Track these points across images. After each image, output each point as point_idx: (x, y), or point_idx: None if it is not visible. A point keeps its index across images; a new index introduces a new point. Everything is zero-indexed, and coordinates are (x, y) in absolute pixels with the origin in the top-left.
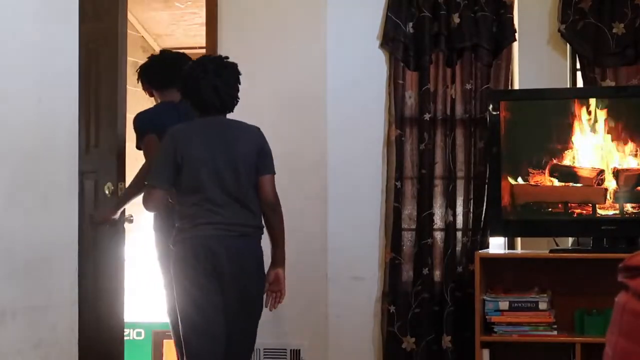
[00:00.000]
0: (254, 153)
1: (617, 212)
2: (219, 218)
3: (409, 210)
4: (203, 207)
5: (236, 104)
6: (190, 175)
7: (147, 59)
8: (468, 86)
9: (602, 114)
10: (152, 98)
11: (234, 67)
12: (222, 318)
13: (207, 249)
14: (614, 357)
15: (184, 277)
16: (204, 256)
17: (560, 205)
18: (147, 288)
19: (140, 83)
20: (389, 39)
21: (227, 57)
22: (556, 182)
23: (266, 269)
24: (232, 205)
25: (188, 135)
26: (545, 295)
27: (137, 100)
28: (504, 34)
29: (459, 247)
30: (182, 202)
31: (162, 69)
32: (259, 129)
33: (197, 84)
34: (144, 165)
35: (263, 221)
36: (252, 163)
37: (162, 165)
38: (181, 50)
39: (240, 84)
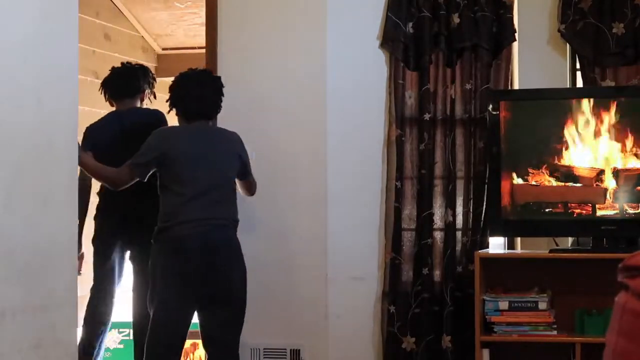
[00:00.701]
0: (233, 156)
1: (617, 212)
2: (197, 214)
3: (409, 210)
4: (181, 204)
5: (218, 112)
6: (170, 174)
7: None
8: (468, 86)
9: (602, 114)
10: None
11: (216, 79)
12: (187, 313)
13: (185, 247)
14: (614, 357)
15: (160, 272)
16: (182, 253)
17: (560, 205)
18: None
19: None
20: (389, 39)
21: (210, 71)
22: (556, 182)
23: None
24: (209, 201)
25: (172, 136)
26: (545, 295)
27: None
28: (504, 34)
29: (458, 247)
30: (163, 201)
31: (117, 80)
32: (238, 135)
33: (183, 93)
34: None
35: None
36: (232, 164)
37: (143, 156)
38: (181, 51)
39: (223, 95)
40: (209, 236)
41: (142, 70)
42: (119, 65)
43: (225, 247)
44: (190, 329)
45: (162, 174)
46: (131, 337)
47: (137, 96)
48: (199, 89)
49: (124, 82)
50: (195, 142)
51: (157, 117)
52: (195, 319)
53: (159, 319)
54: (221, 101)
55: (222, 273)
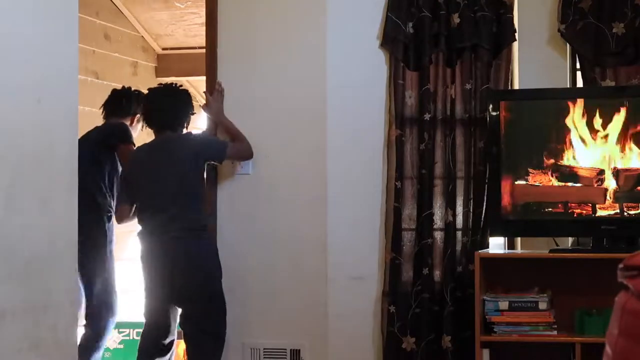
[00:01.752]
0: (192, 158)
1: (617, 212)
2: (156, 230)
3: (409, 210)
4: (142, 220)
5: (180, 123)
6: (133, 190)
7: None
8: (468, 86)
9: (602, 114)
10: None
11: (178, 92)
12: (166, 306)
13: (152, 252)
14: (614, 357)
15: (143, 273)
16: (150, 257)
17: (560, 205)
18: None
19: None
20: (389, 39)
21: (176, 84)
22: (556, 182)
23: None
24: (166, 216)
25: (134, 156)
26: (545, 295)
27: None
28: (504, 34)
29: (459, 247)
30: (137, 214)
31: (106, 103)
32: (189, 133)
33: (146, 108)
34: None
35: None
36: (191, 168)
37: (122, 186)
38: (181, 51)
39: (187, 106)
40: (166, 250)
41: (136, 95)
42: (119, 88)
43: (181, 259)
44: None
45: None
46: (131, 337)
47: (126, 118)
48: (159, 102)
49: (118, 102)
50: (150, 160)
51: (112, 129)
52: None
53: (145, 312)
54: (185, 112)
55: (179, 281)
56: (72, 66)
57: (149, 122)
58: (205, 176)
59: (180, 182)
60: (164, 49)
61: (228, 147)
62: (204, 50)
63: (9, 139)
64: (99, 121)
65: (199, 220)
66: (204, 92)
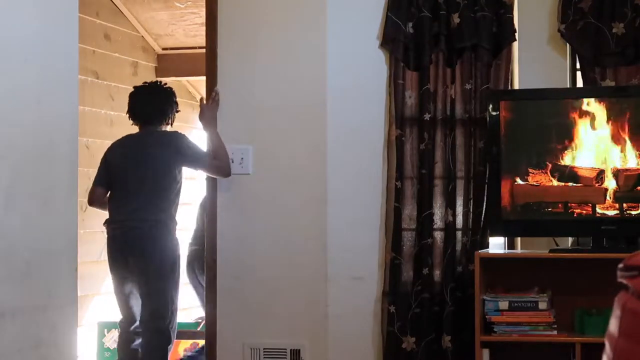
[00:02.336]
0: (168, 157)
1: (617, 212)
2: (120, 217)
3: (409, 210)
4: (112, 209)
5: (163, 119)
6: (107, 179)
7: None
8: (468, 86)
9: (602, 114)
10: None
11: (160, 90)
12: (129, 287)
13: (116, 240)
14: (614, 357)
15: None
16: (115, 244)
17: (560, 205)
18: None
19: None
20: (389, 39)
21: (159, 82)
22: (556, 182)
23: None
24: (132, 206)
25: (113, 147)
26: (545, 295)
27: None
28: (504, 34)
29: (459, 247)
30: (108, 201)
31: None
32: (177, 133)
33: (129, 105)
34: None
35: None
36: (165, 165)
37: (100, 168)
38: (181, 51)
39: (169, 102)
40: (125, 238)
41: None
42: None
43: (138, 248)
44: (189, 329)
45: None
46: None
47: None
48: (142, 98)
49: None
50: (130, 151)
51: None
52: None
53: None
54: (168, 108)
55: (137, 268)
56: (72, 66)
57: (133, 117)
58: (180, 178)
59: (152, 176)
60: (164, 49)
61: (209, 159)
62: (204, 50)
63: (9, 139)
64: (100, 121)
65: (159, 214)
66: (200, 98)
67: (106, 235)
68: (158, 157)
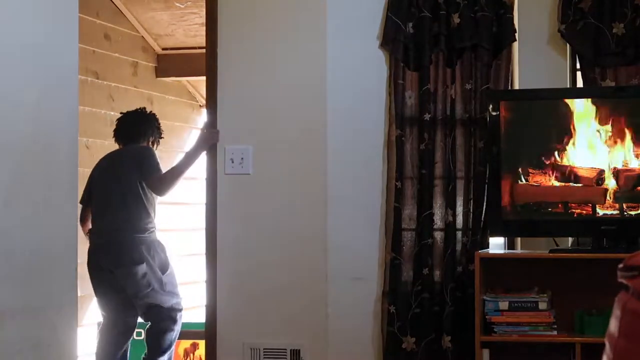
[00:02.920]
0: (133, 168)
1: (617, 212)
2: (95, 228)
3: (409, 210)
4: (93, 217)
5: (142, 139)
6: (88, 194)
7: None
8: (468, 86)
9: (602, 114)
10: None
11: (141, 114)
12: (113, 292)
13: (94, 250)
14: (614, 357)
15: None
16: (95, 255)
17: (560, 205)
18: None
19: None
20: (389, 39)
21: (144, 109)
22: (556, 182)
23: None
24: (105, 217)
25: (99, 162)
26: (545, 295)
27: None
28: (504, 34)
29: (459, 247)
30: (92, 215)
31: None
32: (144, 147)
33: (115, 127)
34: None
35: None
36: (132, 175)
37: (85, 188)
38: (181, 51)
39: (149, 123)
40: (97, 247)
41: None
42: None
43: (107, 255)
44: (189, 329)
45: None
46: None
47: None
48: (124, 120)
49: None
50: (106, 167)
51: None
52: (190, 318)
53: None
54: (148, 129)
55: (109, 271)
56: (72, 66)
57: (117, 138)
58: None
59: (122, 189)
60: (164, 49)
61: (155, 176)
62: (204, 50)
63: (10, 139)
64: (100, 121)
65: (130, 221)
66: (202, 129)
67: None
68: (125, 171)
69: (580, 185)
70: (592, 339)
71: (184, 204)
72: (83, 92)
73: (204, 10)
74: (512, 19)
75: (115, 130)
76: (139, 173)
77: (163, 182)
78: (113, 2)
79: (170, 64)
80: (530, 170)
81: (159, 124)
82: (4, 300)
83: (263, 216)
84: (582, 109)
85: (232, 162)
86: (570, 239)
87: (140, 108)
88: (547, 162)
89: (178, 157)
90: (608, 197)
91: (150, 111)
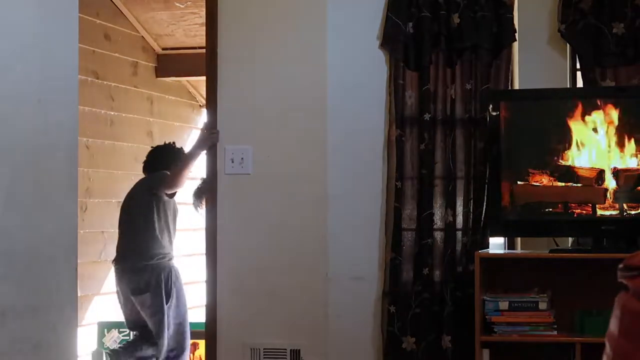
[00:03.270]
0: (144, 194)
1: (617, 212)
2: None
3: (409, 210)
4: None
5: (155, 167)
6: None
7: None
8: (468, 86)
9: (602, 114)
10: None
11: (159, 149)
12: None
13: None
14: (614, 357)
15: None
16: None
17: (560, 205)
18: None
19: None
20: (389, 39)
21: (173, 143)
22: (556, 182)
23: None
24: (124, 243)
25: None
26: (545, 295)
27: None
28: (504, 34)
29: (459, 247)
30: None
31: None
32: (157, 173)
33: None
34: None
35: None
36: (142, 202)
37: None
38: (181, 51)
39: (171, 156)
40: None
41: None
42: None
43: (122, 274)
44: (192, 329)
45: None
46: (131, 337)
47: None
48: (154, 153)
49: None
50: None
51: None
52: (190, 318)
53: None
54: (171, 160)
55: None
56: (72, 66)
57: (144, 170)
58: (155, 206)
59: (128, 215)
60: (164, 49)
61: (165, 179)
62: (204, 50)
63: (9, 139)
64: (100, 121)
65: (126, 244)
66: (202, 129)
67: None
68: (134, 198)
69: (580, 185)
70: (592, 339)
71: (184, 204)
72: (83, 92)
73: (204, 10)
74: (512, 19)
75: (144, 162)
76: (147, 186)
77: (169, 178)
78: (113, 2)
79: (170, 64)
80: (530, 170)
81: (178, 155)
82: (4, 300)
83: (263, 216)
84: (582, 109)
85: (232, 162)
86: (570, 239)
87: (169, 142)
88: (547, 162)
89: None
90: (608, 197)
91: (181, 147)
